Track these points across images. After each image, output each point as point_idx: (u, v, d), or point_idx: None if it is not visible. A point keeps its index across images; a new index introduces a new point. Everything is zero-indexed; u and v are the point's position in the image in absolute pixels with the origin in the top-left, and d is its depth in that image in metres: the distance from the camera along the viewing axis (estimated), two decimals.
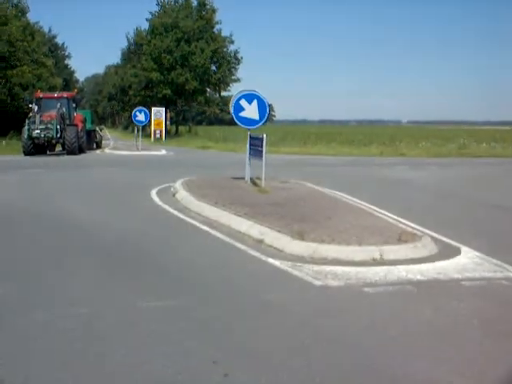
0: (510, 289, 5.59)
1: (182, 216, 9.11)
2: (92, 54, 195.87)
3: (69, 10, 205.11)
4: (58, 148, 26.98)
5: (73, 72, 73.63)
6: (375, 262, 6.24)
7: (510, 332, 4.44)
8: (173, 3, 48.29)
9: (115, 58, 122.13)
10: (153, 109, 40.08)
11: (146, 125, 32.73)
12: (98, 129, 33.72)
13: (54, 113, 24.80)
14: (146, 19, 48.33)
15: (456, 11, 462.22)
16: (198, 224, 8.40)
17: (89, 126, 29.24)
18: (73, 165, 20.17)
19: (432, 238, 7.37)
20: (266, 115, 11.96)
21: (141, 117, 28.67)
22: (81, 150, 25.38)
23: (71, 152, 24.57)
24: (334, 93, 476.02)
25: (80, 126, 25.98)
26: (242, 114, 11.93)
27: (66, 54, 68.96)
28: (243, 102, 11.87)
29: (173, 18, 45.55)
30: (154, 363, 3.71)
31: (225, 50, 47.26)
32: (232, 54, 47.59)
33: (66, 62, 67.91)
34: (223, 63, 46.95)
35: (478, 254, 6.77)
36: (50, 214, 9.47)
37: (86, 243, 7.27)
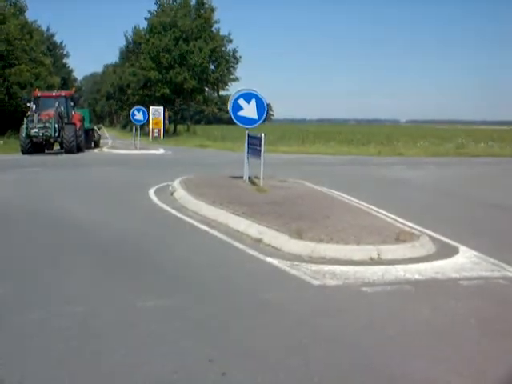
0: (508, 288, 5.59)
1: (179, 215, 9.09)
2: (90, 53, 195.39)
3: (67, 8, 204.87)
4: (56, 147, 26.96)
5: (71, 71, 73.67)
6: (373, 262, 6.23)
7: (507, 331, 4.43)
8: (171, 2, 48.31)
9: (113, 57, 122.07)
10: (151, 108, 40.02)
11: (144, 124, 32.73)
12: (96, 128, 33.64)
13: (52, 112, 24.76)
14: (145, 18, 48.43)
15: (455, 11, 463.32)
16: (195, 223, 8.38)
17: (87, 124, 29.19)
18: (71, 164, 20.14)
19: (430, 237, 7.35)
20: (265, 114, 11.94)
21: (139, 116, 28.62)
22: (79, 149, 25.35)
23: (69, 151, 24.55)
24: (333, 92, 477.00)
25: (78, 124, 25.95)
26: (241, 113, 11.91)
27: (65, 52, 69.08)
28: (241, 101, 11.84)
29: (171, 17, 45.53)
30: (150, 362, 3.69)
31: (223, 49, 47.25)
32: (230, 53, 47.58)
33: (64, 60, 67.94)
34: (222, 62, 46.92)
35: (475, 253, 6.76)
36: (47, 212, 9.44)
37: (83, 241, 7.25)
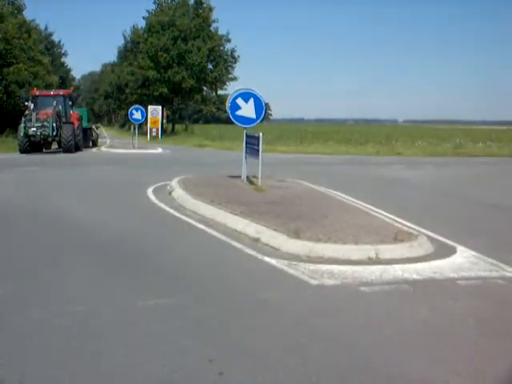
0: (506, 288, 5.61)
1: (177, 214, 9.10)
2: (88, 52, 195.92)
3: (65, 7, 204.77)
4: (54, 146, 26.94)
5: (69, 70, 73.43)
6: (371, 261, 6.24)
7: (505, 331, 4.45)
8: (170, 1, 48.30)
9: (112, 56, 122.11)
10: (149, 107, 39.99)
11: (142, 123, 32.70)
12: (94, 127, 33.63)
13: (50, 111, 24.73)
14: (143, 17, 48.47)
15: (455, 11, 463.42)
16: (193, 222, 8.39)
17: (85, 124, 29.19)
18: (69, 163, 20.13)
19: (428, 237, 7.38)
20: (263, 114, 11.95)
21: (137, 115, 28.61)
22: (77, 148, 25.34)
23: (67, 150, 24.53)
24: (332, 92, 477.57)
25: (76, 123, 25.94)
26: (239, 112, 11.93)
27: (63, 51, 68.90)
28: (240, 101, 11.86)
29: (169, 17, 45.51)
30: (151, 362, 3.70)
31: (221, 48, 47.24)
32: (229, 53, 47.57)
33: (62, 59, 67.78)
34: (220, 62, 46.92)
35: (473, 253, 6.78)
36: (46, 212, 9.44)
37: (82, 241, 7.25)
